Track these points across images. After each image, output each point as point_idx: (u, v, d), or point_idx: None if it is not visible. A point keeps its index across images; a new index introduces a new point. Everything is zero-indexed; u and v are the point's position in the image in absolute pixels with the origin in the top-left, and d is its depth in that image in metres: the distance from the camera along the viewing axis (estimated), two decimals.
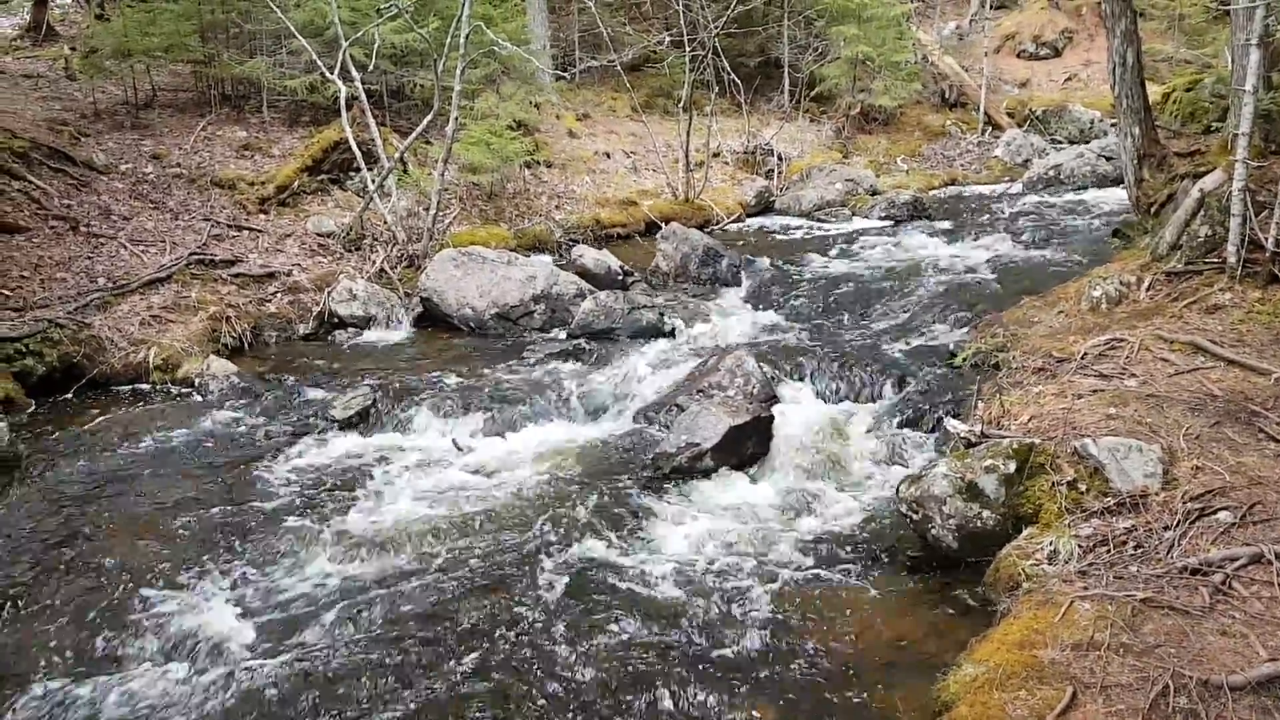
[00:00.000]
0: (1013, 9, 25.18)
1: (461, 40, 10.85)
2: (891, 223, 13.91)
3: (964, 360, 7.15)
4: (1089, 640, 3.73)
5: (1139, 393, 5.56)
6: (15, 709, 4.03)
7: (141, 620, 4.63)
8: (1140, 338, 6.26)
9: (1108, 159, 15.54)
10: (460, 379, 7.83)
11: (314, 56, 11.68)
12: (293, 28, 12.02)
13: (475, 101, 13.55)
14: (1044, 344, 6.71)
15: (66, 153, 10.78)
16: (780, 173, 16.68)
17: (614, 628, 4.53)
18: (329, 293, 9.76)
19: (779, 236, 13.75)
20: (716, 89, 16.28)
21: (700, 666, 4.22)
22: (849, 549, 5.21)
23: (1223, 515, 4.44)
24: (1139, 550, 4.32)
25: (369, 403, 7.20)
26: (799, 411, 6.90)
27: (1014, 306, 8.01)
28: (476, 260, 9.75)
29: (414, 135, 11.62)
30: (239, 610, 4.77)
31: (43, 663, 4.36)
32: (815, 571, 5.00)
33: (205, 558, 5.20)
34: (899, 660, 4.25)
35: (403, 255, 10.78)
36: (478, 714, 3.95)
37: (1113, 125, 15.46)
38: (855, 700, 3.99)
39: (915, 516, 5.01)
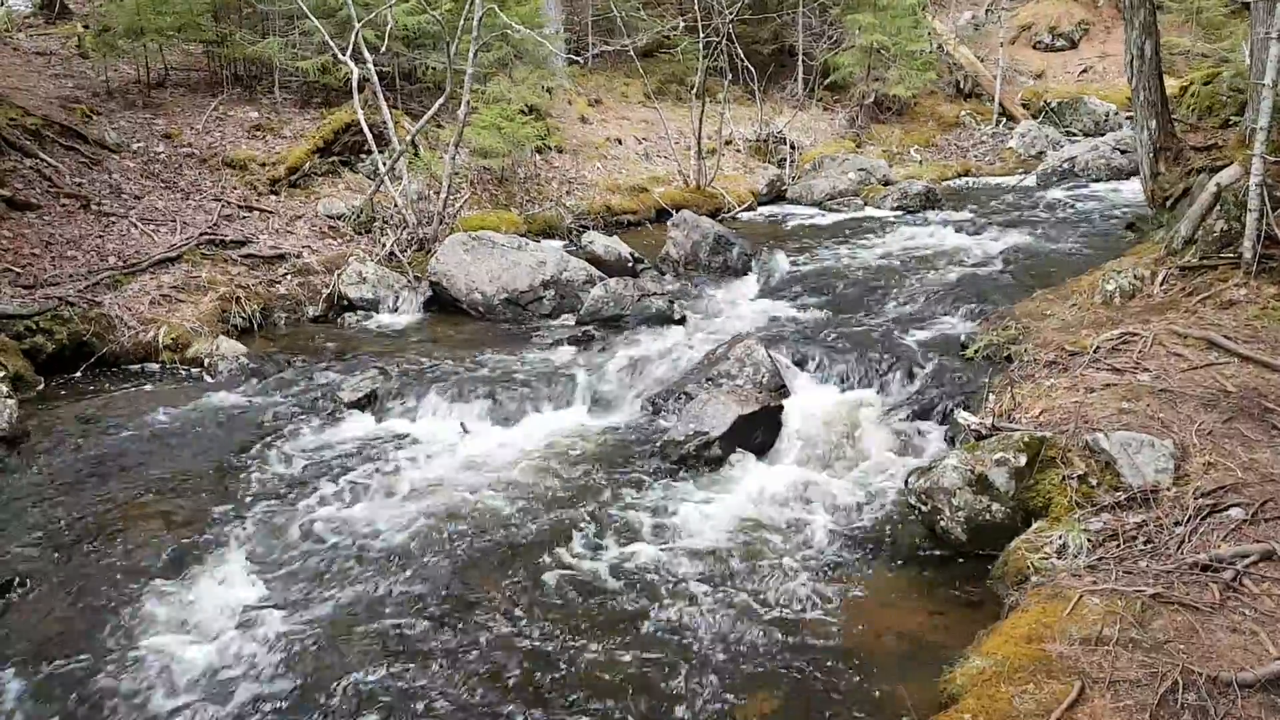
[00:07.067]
0: (1029, 0, 25.02)
1: (474, 23, 10.81)
2: (904, 213, 13.86)
3: (975, 352, 7.11)
4: (1097, 635, 3.71)
5: (1152, 387, 5.52)
6: (24, 686, 4.04)
7: (149, 597, 4.63)
8: (1154, 332, 6.21)
9: (1123, 152, 15.45)
10: (469, 363, 7.83)
11: (326, 38, 11.66)
12: (305, 8, 11.99)
13: (487, 85, 13.53)
14: (1056, 337, 6.67)
15: (78, 131, 10.77)
16: (793, 161, 16.62)
17: (617, 615, 4.53)
18: (339, 275, 9.76)
19: (790, 225, 13.70)
20: (730, 76, 16.21)
21: (704, 654, 4.21)
22: (856, 540, 5.19)
23: (1234, 512, 4.41)
24: (1149, 546, 4.29)
25: (377, 386, 7.20)
26: (808, 401, 6.87)
27: (1026, 299, 7.96)
28: (486, 245, 9.73)
29: (425, 118, 11.60)
30: (245, 588, 4.77)
31: (51, 639, 4.37)
32: (822, 562, 4.99)
33: (212, 536, 5.21)
34: (905, 651, 4.24)
35: (413, 239, 10.76)
36: (480, 698, 3.95)
37: (1128, 118, 15.37)
38: (861, 691, 3.98)
39: (924, 508, 4.99)
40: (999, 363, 6.78)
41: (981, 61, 21.07)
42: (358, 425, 6.82)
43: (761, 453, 6.26)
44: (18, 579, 4.78)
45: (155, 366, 8.10)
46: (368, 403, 7.07)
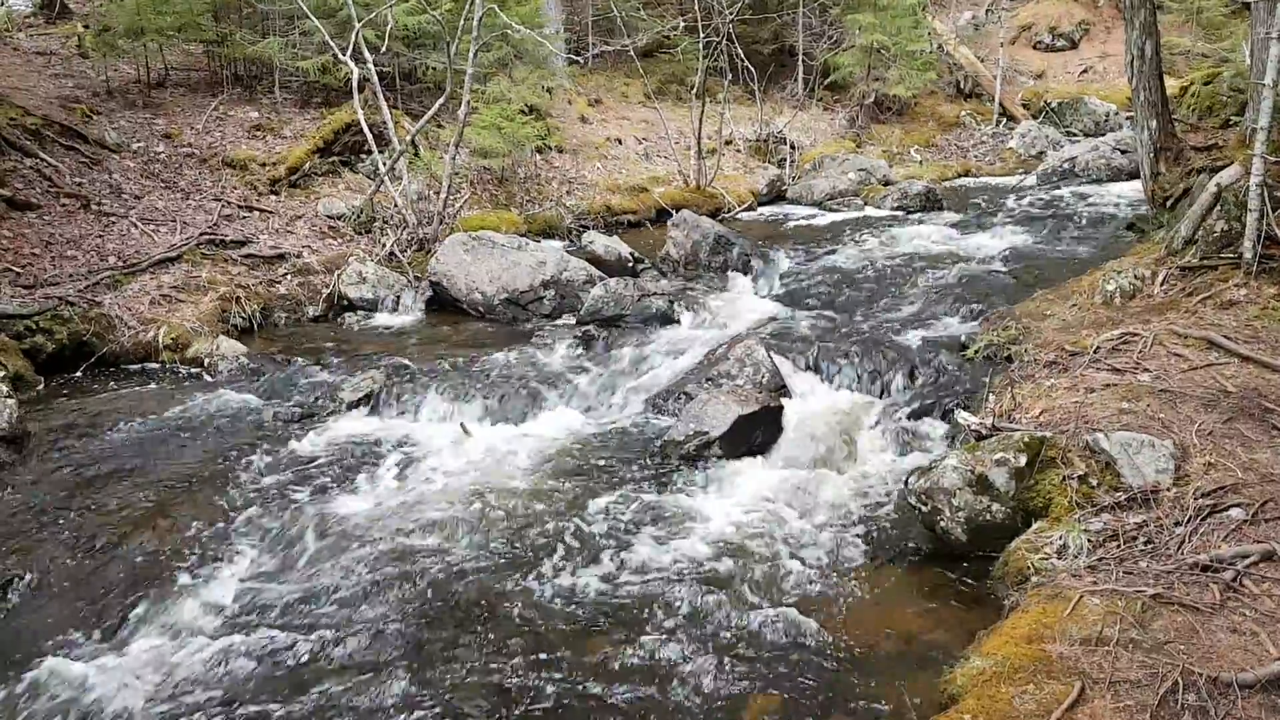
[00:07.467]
0: (1029, 0, 25.02)
1: (474, 23, 10.81)
2: (904, 213, 13.86)
3: (975, 352, 7.11)
4: (1098, 635, 3.71)
5: (1152, 388, 5.52)
6: (23, 685, 4.04)
7: (147, 597, 4.64)
8: (1154, 332, 6.21)
9: (1123, 152, 15.44)
10: (469, 363, 7.82)
11: (326, 38, 11.66)
12: (305, 8, 11.99)
13: (487, 85, 13.53)
14: (1056, 337, 6.67)
15: (78, 131, 10.77)
16: (793, 161, 16.62)
17: (617, 616, 4.52)
18: (339, 275, 9.76)
19: (791, 225, 13.70)
20: (730, 76, 16.21)
21: (703, 655, 4.20)
22: (857, 540, 5.19)
23: (1234, 512, 4.40)
24: (1149, 546, 4.28)
25: (377, 386, 7.19)
26: (808, 401, 6.88)
27: (1026, 299, 7.96)
28: (487, 245, 9.72)
29: (426, 118, 11.60)
30: (245, 588, 4.77)
31: (50, 640, 4.37)
32: (822, 562, 4.98)
33: (212, 537, 5.20)
34: (906, 652, 4.23)
35: (413, 239, 10.77)
36: (481, 701, 3.95)
37: (1129, 118, 15.36)
38: (862, 691, 3.97)
39: (924, 508, 4.99)
40: (999, 363, 6.78)
41: (982, 61, 21.07)
42: (358, 425, 6.81)
43: (762, 453, 6.26)
44: (17, 578, 4.78)
45: (155, 366, 8.10)
46: (368, 403, 7.07)
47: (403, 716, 3.85)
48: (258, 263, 9.70)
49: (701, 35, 15.24)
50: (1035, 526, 4.70)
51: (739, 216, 14.29)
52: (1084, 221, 12.22)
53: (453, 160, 11.06)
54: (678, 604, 4.58)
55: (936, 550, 5.00)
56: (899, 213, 13.91)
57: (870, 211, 14.26)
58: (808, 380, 7.23)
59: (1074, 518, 4.58)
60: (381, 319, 9.46)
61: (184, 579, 4.81)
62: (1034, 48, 23.27)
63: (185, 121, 12.08)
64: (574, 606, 4.60)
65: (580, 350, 8.16)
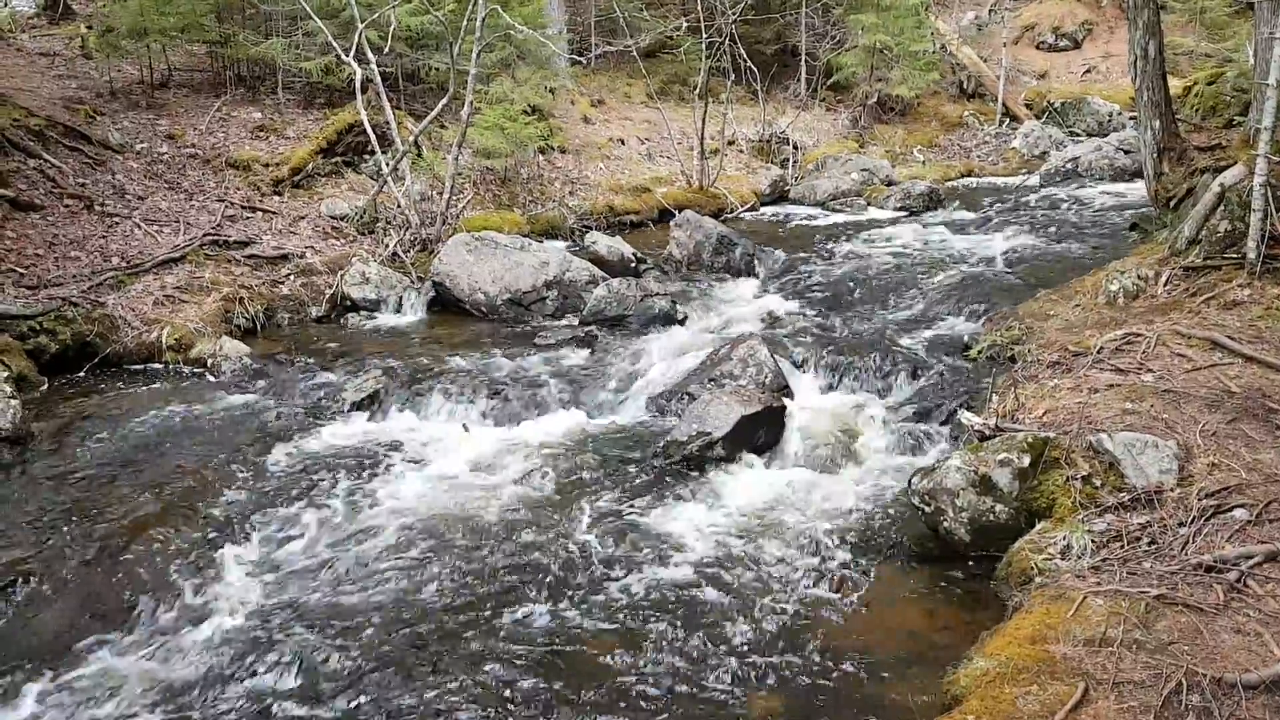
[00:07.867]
0: (1032, 0, 24.98)
1: (477, 24, 10.82)
2: (907, 213, 13.85)
3: (978, 353, 7.10)
4: (1101, 636, 3.70)
5: (1156, 388, 5.51)
6: (29, 686, 4.05)
7: (152, 597, 4.64)
8: (1157, 333, 6.20)
9: (1126, 152, 15.42)
10: (471, 364, 7.82)
11: (330, 38, 11.66)
12: (309, 9, 11.99)
13: (490, 86, 13.52)
14: (1060, 337, 6.66)
15: (82, 131, 10.78)
16: (796, 162, 16.62)
17: (621, 618, 4.52)
18: (342, 275, 9.76)
19: (793, 226, 13.69)
20: (733, 76, 16.21)
21: (706, 655, 4.21)
22: (860, 541, 5.19)
23: (1238, 513, 4.40)
24: (1153, 546, 4.28)
25: (380, 386, 7.20)
26: (811, 401, 6.87)
27: (1030, 299, 7.95)
28: (489, 245, 9.72)
29: (429, 119, 11.61)
30: (248, 588, 4.78)
31: (54, 640, 4.37)
32: (824, 563, 4.98)
33: (215, 538, 5.21)
34: (909, 652, 4.23)
35: (416, 239, 10.76)
36: (482, 704, 3.95)
37: (1132, 118, 15.35)
38: (865, 692, 3.97)
39: (928, 509, 4.98)
40: (1002, 363, 6.77)
41: (985, 62, 21.04)
42: (360, 426, 6.82)
43: (764, 453, 6.26)
44: (20, 579, 4.78)
45: (159, 367, 8.09)
46: (370, 403, 7.08)
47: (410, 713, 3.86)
48: (261, 263, 9.70)
49: (704, 35, 15.22)
50: (1039, 527, 4.70)
51: (742, 217, 14.28)
52: (1087, 222, 12.20)
53: (455, 161, 11.06)
54: (679, 606, 4.59)
55: (939, 551, 5.00)
56: (902, 213, 13.90)
57: (873, 212, 14.25)
58: (810, 380, 7.23)
59: (1078, 518, 4.58)
60: (384, 319, 9.46)
61: (184, 582, 4.81)
62: (1037, 48, 23.24)
63: (188, 122, 12.09)
64: (576, 610, 4.60)
65: (583, 350, 8.16)
